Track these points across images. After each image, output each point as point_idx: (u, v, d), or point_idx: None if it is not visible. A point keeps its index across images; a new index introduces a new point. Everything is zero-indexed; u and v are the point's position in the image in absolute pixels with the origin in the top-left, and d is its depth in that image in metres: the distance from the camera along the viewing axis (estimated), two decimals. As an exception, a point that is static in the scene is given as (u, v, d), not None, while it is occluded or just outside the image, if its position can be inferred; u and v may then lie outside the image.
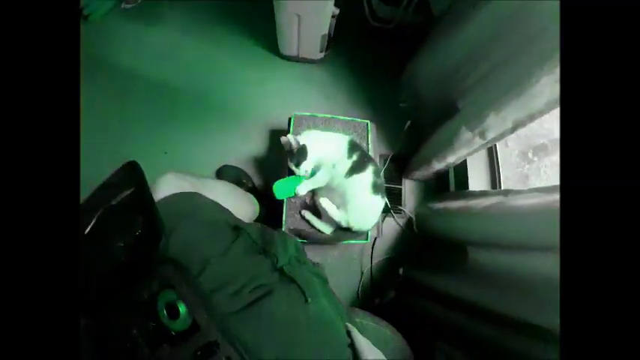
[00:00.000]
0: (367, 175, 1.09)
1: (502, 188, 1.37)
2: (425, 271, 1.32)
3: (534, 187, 0.95)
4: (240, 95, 1.82)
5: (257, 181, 1.61)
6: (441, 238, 1.38)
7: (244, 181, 1.53)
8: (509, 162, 1.57)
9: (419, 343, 0.94)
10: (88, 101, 1.61)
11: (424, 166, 1.45)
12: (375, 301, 1.51)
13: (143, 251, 0.45)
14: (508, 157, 1.58)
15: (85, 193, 0.50)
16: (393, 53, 1.84)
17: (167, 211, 0.55)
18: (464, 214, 1.19)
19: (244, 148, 1.69)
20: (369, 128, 1.37)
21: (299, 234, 1.20)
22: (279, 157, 1.38)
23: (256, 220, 1.22)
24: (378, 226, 1.28)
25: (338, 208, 1.13)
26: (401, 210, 1.61)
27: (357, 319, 0.79)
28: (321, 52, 1.80)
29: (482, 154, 1.44)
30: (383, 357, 0.65)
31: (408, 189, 1.68)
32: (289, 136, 1.09)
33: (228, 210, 0.82)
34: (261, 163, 1.67)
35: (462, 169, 1.45)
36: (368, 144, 1.34)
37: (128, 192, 0.50)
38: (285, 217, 1.22)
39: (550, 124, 1.59)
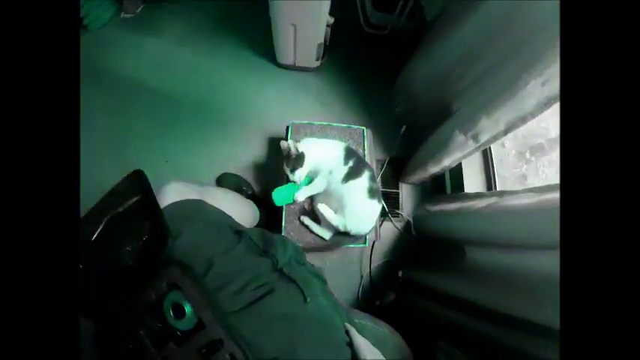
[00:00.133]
0: (363, 181, 1.12)
1: (497, 189, 1.39)
2: (424, 272, 1.34)
3: (529, 187, 0.97)
4: (239, 104, 1.85)
5: (256, 187, 1.63)
6: (438, 238, 1.40)
7: (244, 188, 1.55)
8: (506, 162, 1.59)
9: (420, 343, 0.94)
10: (90, 112, 1.65)
11: (420, 169, 1.47)
12: (375, 303, 1.53)
13: (150, 255, 0.48)
14: (505, 157, 1.60)
15: (90, 200, 0.53)
16: (388, 59, 1.88)
17: (173, 216, 0.57)
18: (460, 215, 1.21)
19: (243, 155, 1.72)
20: (365, 134, 1.40)
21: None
22: (278, 165, 1.40)
23: (256, 226, 1.24)
24: (376, 230, 1.29)
25: (336, 213, 1.15)
26: (398, 213, 1.63)
27: (357, 320, 0.81)
28: (317, 60, 1.84)
29: (478, 157, 1.47)
30: (381, 356, 0.67)
31: (405, 192, 1.70)
32: (289, 141, 1.12)
33: (230, 216, 0.84)
34: (260, 170, 1.69)
35: (457, 172, 1.47)
36: (364, 150, 1.36)
37: (134, 199, 0.52)
38: (285, 222, 1.24)
39: (546, 124, 1.61)
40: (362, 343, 0.66)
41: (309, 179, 1.19)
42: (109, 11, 2.00)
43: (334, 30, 1.71)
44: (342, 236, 1.21)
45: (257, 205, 1.32)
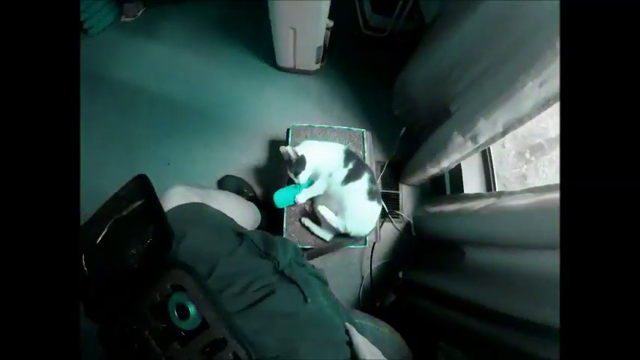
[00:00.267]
0: (363, 182, 1.13)
1: (497, 190, 1.40)
2: (424, 272, 1.34)
3: (528, 187, 0.97)
4: (240, 107, 1.86)
5: (257, 190, 1.64)
6: (438, 239, 1.40)
7: (245, 190, 1.56)
8: (506, 162, 1.60)
9: (420, 344, 0.95)
10: (93, 116, 1.67)
11: (419, 171, 1.48)
12: (375, 304, 1.53)
13: (154, 258, 0.49)
14: (505, 157, 1.61)
15: (94, 205, 0.54)
16: (387, 61, 1.89)
17: (177, 219, 0.58)
18: (459, 216, 1.22)
19: (244, 158, 1.73)
20: (365, 137, 1.40)
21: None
22: (279, 167, 1.41)
23: (258, 228, 1.25)
24: (377, 231, 1.30)
25: (336, 214, 1.16)
26: (398, 214, 1.64)
27: (357, 320, 0.82)
28: (316, 63, 1.85)
29: (477, 157, 1.47)
30: (381, 356, 0.67)
31: (405, 194, 1.71)
32: (288, 147, 1.13)
33: (232, 218, 0.86)
34: (261, 172, 1.70)
35: (456, 173, 1.48)
36: (364, 152, 1.37)
37: (139, 203, 0.54)
38: (286, 224, 1.25)
39: (546, 124, 1.62)
40: (361, 342, 0.67)
41: (310, 181, 1.20)
42: (110, 16, 2.02)
43: (334, 33, 1.73)
44: (342, 237, 1.22)
45: (258, 207, 1.33)
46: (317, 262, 1.21)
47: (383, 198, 1.24)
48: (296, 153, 1.13)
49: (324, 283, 0.83)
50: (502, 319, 0.85)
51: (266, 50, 1.89)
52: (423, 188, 1.73)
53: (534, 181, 1.53)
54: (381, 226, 1.49)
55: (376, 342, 0.70)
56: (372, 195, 1.13)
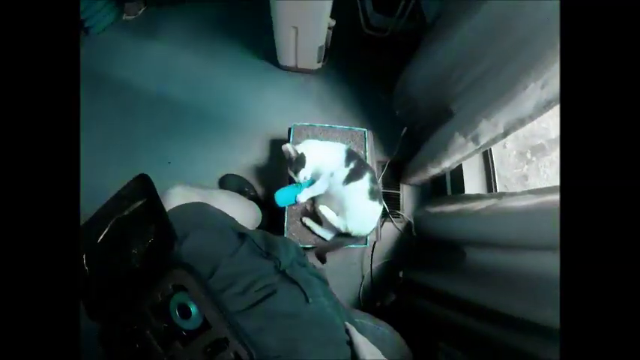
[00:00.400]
0: (364, 182, 1.13)
1: (498, 191, 1.40)
2: (424, 272, 1.35)
3: (529, 188, 0.97)
4: (240, 106, 1.86)
5: (259, 189, 1.64)
6: (439, 239, 1.40)
7: (246, 189, 1.57)
8: (507, 163, 1.60)
9: (420, 344, 0.95)
10: (93, 116, 1.67)
11: (420, 171, 1.48)
12: (376, 303, 1.54)
13: (156, 258, 0.49)
14: (506, 158, 1.61)
15: (95, 205, 0.54)
16: (388, 61, 1.88)
17: (179, 219, 0.59)
18: (460, 216, 1.22)
19: (245, 158, 1.73)
20: (367, 136, 1.40)
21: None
22: (280, 166, 1.41)
23: (259, 227, 1.25)
24: (377, 231, 1.30)
25: (337, 214, 1.16)
26: (399, 214, 1.64)
27: (357, 320, 0.82)
28: (318, 62, 1.85)
29: (478, 158, 1.47)
30: (381, 355, 0.68)
31: (406, 194, 1.71)
32: (288, 145, 1.13)
33: (233, 218, 0.86)
34: (262, 172, 1.70)
35: (458, 173, 1.48)
36: (365, 152, 1.37)
37: (140, 203, 0.54)
38: (287, 223, 1.25)
39: (547, 124, 1.62)
40: (361, 342, 0.67)
41: (311, 181, 1.20)
42: (110, 15, 2.02)
43: (335, 32, 1.72)
44: (343, 237, 1.22)
45: (259, 207, 1.33)
46: (317, 261, 1.21)
47: (384, 198, 1.24)
48: (296, 151, 1.13)
49: (325, 282, 0.83)
50: (502, 319, 0.85)
51: (266, 50, 1.89)
52: (424, 188, 1.73)
53: (535, 182, 1.53)
54: (381, 226, 1.49)
55: (376, 341, 0.71)
56: (373, 195, 1.13)
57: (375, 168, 1.35)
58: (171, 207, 0.72)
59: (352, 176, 1.13)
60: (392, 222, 1.61)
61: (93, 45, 1.95)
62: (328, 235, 1.22)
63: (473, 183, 1.45)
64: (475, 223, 1.10)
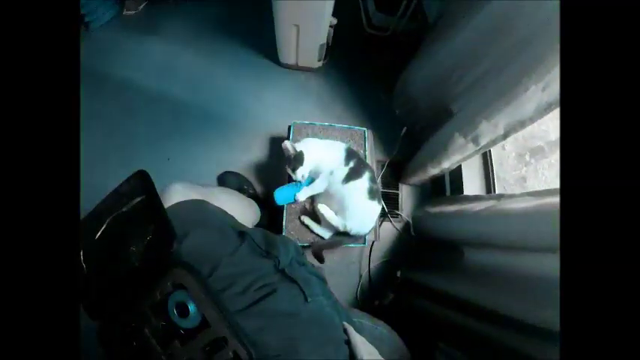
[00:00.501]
0: (363, 182, 1.13)
1: (497, 192, 1.40)
2: (423, 272, 1.35)
3: (527, 190, 0.97)
4: (241, 104, 1.85)
5: (258, 187, 1.64)
6: (437, 239, 1.40)
7: (245, 187, 1.56)
8: (506, 164, 1.59)
9: (419, 344, 0.95)
10: (93, 113, 1.66)
11: (420, 171, 1.48)
12: (374, 303, 1.54)
13: (154, 256, 0.48)
14: (505, 159, 1.60)
15: (92, 201, 0.53)
16: (389, 60, 1.88)
17: (178, 216, 0.58)
18: (459, 217, 1.22)
19: (245, 156, 1.72)
20: (366, 136, 1.40)
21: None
22: (279, 165, 1.41)
23: (258, 225, 1.25)
24: (376, 230, 1.30)
25: (336, 213, 1.16)
26: (398, 214, 1.64)
27: (355, 319, 0.82)
28: (319, 60, 1.84)
29: (477, 159, 1.47)
30: (378, 355, 0.68)
31: (405, 194, 1.71)
32: (287, 142, 1.13)
33: (232, 216, 0.85)
34: (261, 170, 1.70)
35: (457, 174, 1.48)
36: (365, 151, 1.37)
37: (138, 199, 0.53)
38: (286, 222, 1.25)
39: (546, 126, 1.61)
40: (359, 341, 0.67)
41: (311, 179, 1.20)
42: (110, 11, 2.01)
43: (336, 31, 1.72)
44: (341, 236, 1.22)
45: (258, 205, 1.33)
46: (316, 261, 1.21)
47: (382, 197, 1.24)
48: (294, 148, 1.13)
49: (324, 281, 0.83)
50: (502, 320, 0.86)
51: (267, 48, 1.88)
52: (423, 188, 1.73)
53: (534, 184, 1.53)
54: (380, 226, 1.49)
55: (374, 341, 0.71)
56: (372, 194, 1.13)
57: (374, 167, 1.35)
58: (170, 204, 0.72)
59: (352, 175, 1.13)
60: (390, 222, 1.61)
61: (92, 40, 1.94)
62: (327, 234, 1.22)
63: (472, 184, 1.45)
64: (474, 223, 1.10)
